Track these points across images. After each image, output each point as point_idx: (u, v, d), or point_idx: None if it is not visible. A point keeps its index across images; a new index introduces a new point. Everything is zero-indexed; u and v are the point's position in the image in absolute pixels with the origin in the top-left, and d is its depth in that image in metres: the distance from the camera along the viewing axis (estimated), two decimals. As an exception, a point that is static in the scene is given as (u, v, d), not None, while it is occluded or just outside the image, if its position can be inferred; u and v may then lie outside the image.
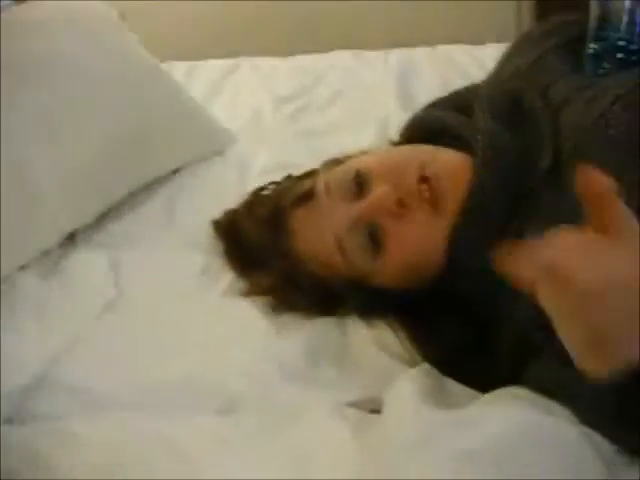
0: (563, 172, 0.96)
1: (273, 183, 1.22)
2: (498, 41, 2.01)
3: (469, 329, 1.03)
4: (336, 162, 1.18)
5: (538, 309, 0.86)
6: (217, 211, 1.27)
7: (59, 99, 1.39)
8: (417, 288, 1.06)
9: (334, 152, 1.23)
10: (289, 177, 1.23)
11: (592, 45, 1.08)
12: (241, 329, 1.11)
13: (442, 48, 2.20)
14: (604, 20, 1.07)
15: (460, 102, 1.21)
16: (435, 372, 0.99)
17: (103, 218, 1.44)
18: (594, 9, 1.08)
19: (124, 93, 1.48)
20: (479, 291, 1.01)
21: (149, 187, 1.52)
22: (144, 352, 1.09)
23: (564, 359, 0.80)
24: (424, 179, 1.02)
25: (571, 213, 0.90)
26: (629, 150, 0.89)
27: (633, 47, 1.06)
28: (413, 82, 1.94)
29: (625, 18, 1.06)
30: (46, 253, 1.33)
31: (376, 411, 0.97)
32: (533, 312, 0.87)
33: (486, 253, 0.97)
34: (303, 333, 1.08)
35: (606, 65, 1.06)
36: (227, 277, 1.21)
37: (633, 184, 0.86)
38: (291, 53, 2.22)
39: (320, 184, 1.09)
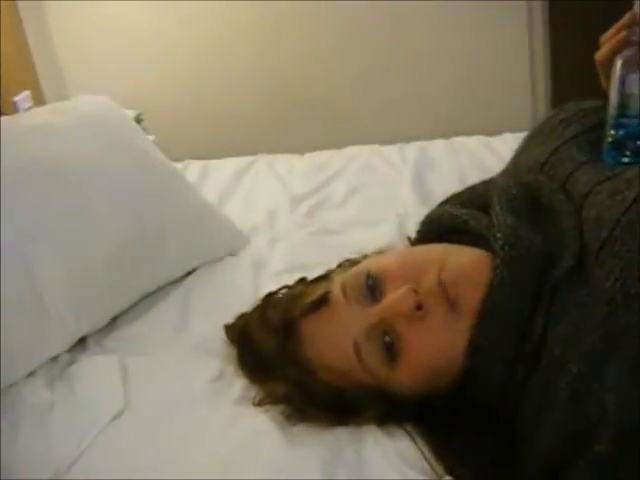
0: (588, 268, 0.94)
1: (285, 287, 1.19)
2: (514, 131, 2.01)
3: (493, 440, 0.99)
4: (352, 264, 1.15)
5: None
6: (231, 314, 1.24)
7: (75, 202, 1.39)
8: (437, 395, 1.02)
9: (350, 251, 1.21)
10: (302, 280, 1.20)
11: (612, 133, 1.06)
12: (254, 440, 1.06)
13: (458, 140, 2.21)
14: (623, 108, 1.05)
15: (477, 198, 1.19)
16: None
17: (115, 320, 1.42)
18: (613, 97, 1.06)
19: (138, 195, 1.48)
20: (502, 397, 0.98)
21: (162, 288, 1.50)
22: (150, 463, 1.05)
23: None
24: (442, 280, 0.99)
25: (598, 310, 0.88)
26: None
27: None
28: (430, 176, 1.94)
29: None
30: (54, 357, 1.30)
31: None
32: (569, 423, 0.86)
33: (508, 355, 0.95)
34: (318, 444, 1.03)
35: (627, 153, 1.04)
36: (240, 384, 1.17)
37: None
38: (307, 149, 2.23)
39: (336, 288, 1.06)
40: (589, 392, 0.86)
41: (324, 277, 1.16)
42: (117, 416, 1.16)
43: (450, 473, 0.96)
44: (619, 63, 1.07)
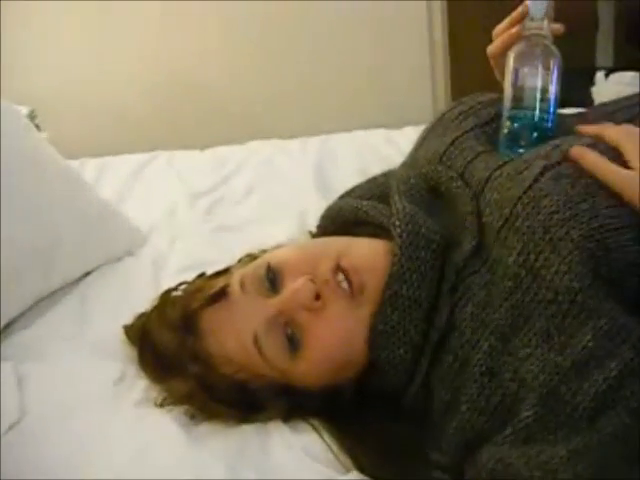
0: (489, 252, 0.95)
1: (184, 283, 1.16)
2: (415, 124, 2.03)
3: (401, 427, 0.99)
4: (251, 258, 1.14)
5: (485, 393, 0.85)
6: (131, 315, 1.21)
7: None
8: (342, 386, 1.02)
9: (251, 247, 1.19)
10: (201, 276, 1.18)
11: (507, 125, 1.07)
12: (156, 442, 1.03)
13: (360, 133, 2.21)
14: (517, 100, 1.07)
15: (377, 189, 1.20)
16: (365, 478, 0.94)
17: (9, 326, 1.36)
18: (507, 89, 1.08)
19: (29, 196, 1.42)
20: (409, 384, 0.98)
21: (59, 291, 1.45)
22: (50, 473, 1.01)
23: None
24: (340, 270, 0.98)
25: (502, 285, 0.89)
26: (564, 220, 0.87)
27: (547, 125, 1.06)
28: (332, 170, 1.94)
29: (538, 97, 1.05)
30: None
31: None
32: (486, 398, 0.88)
33: (411, 341, 0.95)
34: (222, 443, 1.01)
35: (522, 144, 1.06)
36: (142, 385, 1.13)
37: (569, 252, 0.86)
38: (207, 145, 2.21)
39: (234, 282, 1.05)
40: (503, 365, 0.88)
41: (223, 272, 1.14)
42: (13, 426, 1.11)
43: (357, 466, 0.96)
44: (512, 57, 1.08)
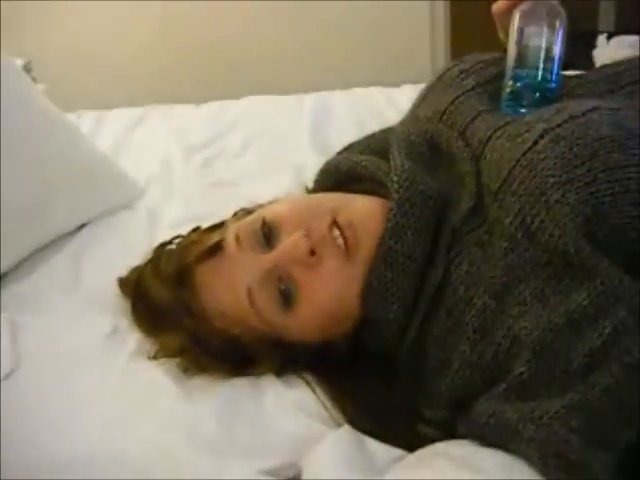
0: (487, 212, 0.95)
1: (179, 237, 1.16)
2: (414, 82, 2.02)
3: (394, 384, 1.00)
4: (246, 212, 1.13)
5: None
6: (125, 268, 1.20)
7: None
8: (335, 342, 1.02)
9: (247, 201, 1.19)
10: (196, 230, 1.17)
11: (510, 84, 1.06)
12: (149, 395, 1.04)
13: (358, 91, 2.20)
14: (521, 59, 1.06)
15: (376, 145, 1.19)
16: (357, 433, 0.94)
17: (4, 277, 1.36)
18: (511, 49, 1.07)
19: (25, 146, 1.41)
20: (402, 341, 0.99)
21: (53, 242, 1.45)
22: (44, 426, 1.01)
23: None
24: (336, 226, 0.98)
25: (498, 246, 0.90)
26: (560, 183, 0.87)
27: (550, 86, 1.06)
28: (329, 126, 1.93)
29: (542, 57, 1.05)
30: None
31: (296, 479, 0.92)
32: (479, 355, 0.89)
33: (405, 297, 0.96)
34: (215, 396, 1.02)
35: (524, 104, 1.05)
36: (135, 338, 1.14)
37: (564, 216, 0.86)
38: (203, 100, 2.19)
39: (229, 236, 1.04)
40: (496, 322, 0.89)
41: (219, 226, 1.14)
42: (8, 376, 1.11)
43: (349, 421, 0.96)
44: (517, 15, 1.08)
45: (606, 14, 3.47)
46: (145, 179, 1.69)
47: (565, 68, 1.09)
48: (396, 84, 2.22)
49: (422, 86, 1.26)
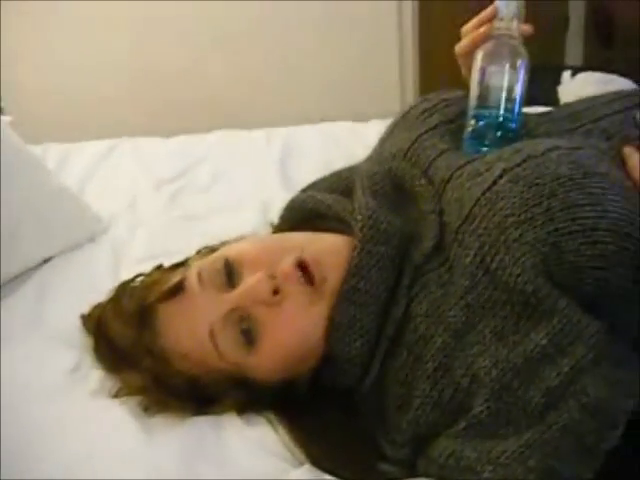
0: (448, 250, 0.96)
1: (141, 275, 1.15)
2: (382, 118, 2.03)
3: (355, 421, 1.00)
4: (210, 250, 1.13)
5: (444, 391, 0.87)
6: (88, 304, 1.19)
7: None
8: (297, 380, 1.02)
9: (213, 237, 1.18)
10: (159, 268, 1.17)
11: (472, 123, 1.07)
12: (110, 433, 1.02)
13: (326, 126, 2.20)
14: (483, 99, 1.07)
15: (341, 183, 1.20)
16: (319, 472, 0.94)
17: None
18: (473, 88, 1.08)
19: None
20: (364, 378, 0.99)
21: (17, 278, 1.43)
22: (4, 464, 0.99)
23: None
24: (301, 264, 0.98)
25: (458, 284, 0.90)
26: (518, 223, 0.88)
27: (511, 125, 1.07)
28: (296, 162, 1.93)
29: (503, 96, 1.06)
30: None
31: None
32: (438, 393, 0.90)
33: (368, 334, 0.96)
34: (177, 435, 1.01)
35: (486, 143, 1.07)
36: (97, 376, 1.12)
37: (523, 255, 0.87)
38: (171, 133, 2.19)
39: (192, 275, 1.04)
40: (455, 361, 0.90)
41: (181, 264, 1.13)
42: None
43: (311, 459, 0.96)
44: (479, 55, 1.09)
45: (573, 49, 3.51)
46: (111, 213, 1.68)
47: (529, 104, 1.11)
48: (364, 119, 2.23)
49: (389, 121, 1.27)
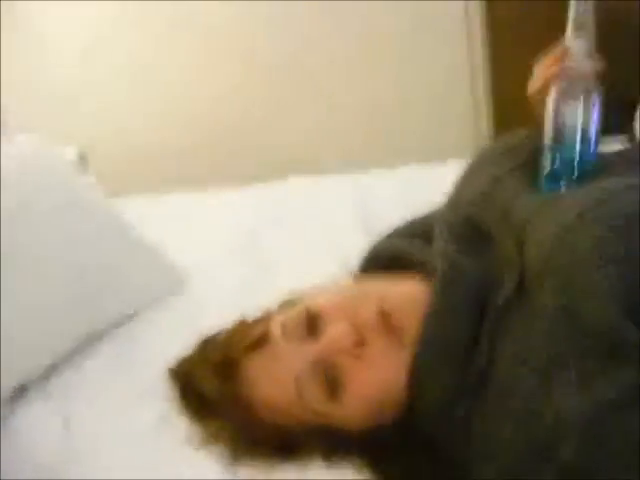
0: (530, 293, 0.94)
1: (224, 329, 1.17)
2: (456, 158, 2.02)
3: (442, 469, 0.98)
4: (291, 302, 1.14)
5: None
6: (173, 357, 1.21)
7: (7, 249, 1.34)
8: (383, 427, 1.01)
9: (293, 288, 1.19)
10: (241, 322, 1.18)
11: (548, 163, 1.07)
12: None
13: (401, 169, 2.20)
14: (558, 138, 1.07)
15: (420, 229, 1.20)
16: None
17: (56, 367, 1.39)
18: (547, 127, 1.08)
19: (72, 239, 1.45)
20: (449, 424, 0.98)
21: (104, 332, 1.47)
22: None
23: None
24: (382, 313, 0.98)
25: (540, 327, 0.89)
26: (599, 266, 0.87)
27: (588, 163, 1.06)
28: (373, 206, 1.94)
29: (578, 135, 1.05)
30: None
31: None
32: (524, 436, 0.88)
33: (450, 381, 0.95)
34: (264, 482, 1.02)
35: (563, 182, 1.06)
36: (183, 426, 1.14)
37: (604, 295, 0.85)
38: (246, 179, 2.22)
39: (275, 327, 1.05)
40: (541, 405, 0.87)
41: (264, 317, 1.15)
42: (62, 464, 1.13)
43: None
44: (553, 94, 1.08)
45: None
46: (193, 265, 1.71)
47: (604, 133, 1.10)
48: (438, 159, 2.22)
49: (464, 161, 1.27)
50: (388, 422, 1.01)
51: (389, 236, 1.24)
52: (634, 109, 2.40)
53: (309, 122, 3.06)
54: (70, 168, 1.67)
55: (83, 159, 2.43)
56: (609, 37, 1.15)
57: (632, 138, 1.85)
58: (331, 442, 1.03)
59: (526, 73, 1.17)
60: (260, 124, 3.04)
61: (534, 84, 1.13)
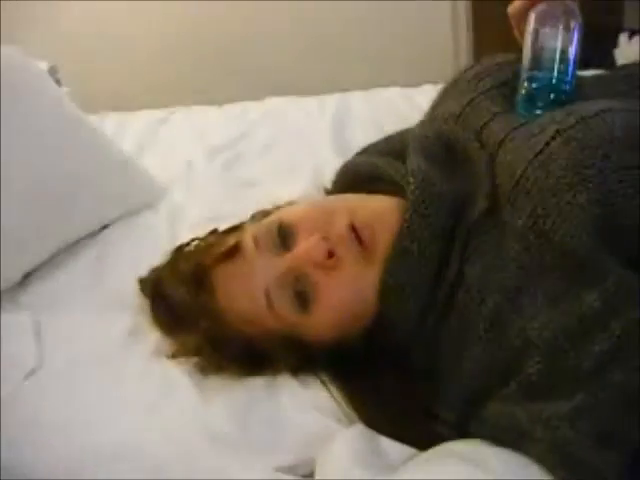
0: (501, 213, 0.95)
1: (197, 239, 1.18)
2: (435, 82, 2.02)
3: (407, 383, 1.00)
4: (264, 214, 1.14)
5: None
6: (146, 268, 1.22)
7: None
8: (351, 341, 1.03)
9: (266, 202, 1.20)
10: (214, 232, 1.19)
11: (525, 86, 1.07)
12: (167, 393, 1.06)
13: (378, 91, 2.20)
14: (536, 61, 1.06)
15: (393, 147, 1.20)
16: (370, 431, 0.95)
17: (29, 276, 1.39)
18: (526, 50, 1.08)
19: (48, 148, 1.44)
20: (416, 340, 0.99)
21: (77, 242, 1.47)
22: (65, 422, 1.04)
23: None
24: (353, 227, 0.99)
25: (511, 247, 0.90)
26: (571, 184, 0.87)
27: (565, 87, 1.06)
28: (348, 127, 1.94)
29: (557, 58, 1.05)
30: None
31: (310, 475, 0.93)
32: (490, 356, 0.90)
33: (419, 297, 0.97)
34: (231, 395, 1.04)
35: (539, 105, 1.06)
36: (154, 338, 1.15)
37: (575, 217, 0.86)
38: (225, 101, 2.21)
39: (247, 238, 1.05)
40: (507, 323, 0.89)
41: (236, 228, 1.15)
42: (30, 374, 1.14)
43: (363, 419, 0.98)
44: (532, 17, 1.08)
45: (632, 12, 3.43)
46: (167, 180, 1.71)
47: (585, 67, 1.10)
48: (418, 84, 2.22)
49: (441, 86, 1.27)
50: (356, 335, 1.02)
51: (362, 153, 1.25)
52: (615, 38, 2.40)
53: (291, 46, 3.03)
54: (46, 76, 1.64)
55: (53, 73, 2.39)
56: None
57: (611, 64, 1.85)
58: (300, 354, 1.04)
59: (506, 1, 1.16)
60: (243, 47, 3.00)
61: (515, 6, 1.12)
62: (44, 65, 2.18)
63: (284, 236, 1.02)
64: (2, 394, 1.08)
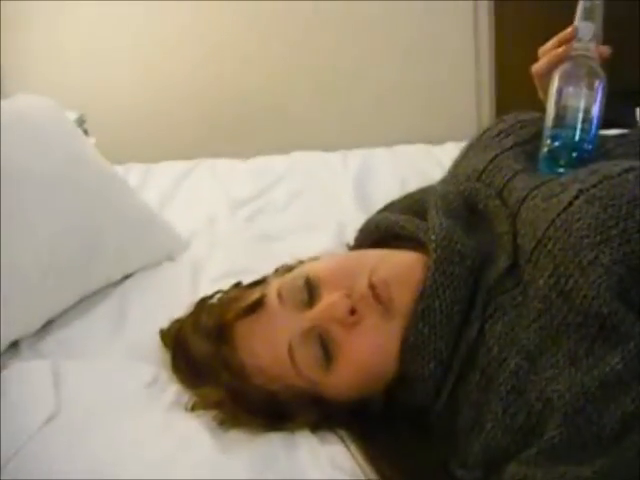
0: (522, 269, 0.96)
1: (220, 292, 1.18)
2: (459, 140, 2.03)
3: (426, 442, 1.00)
4: (287, 269, 1.15)
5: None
6: (167, 319, 1.22)
7: (4, 206, 1.34)
8: (371, 399, 1.03)
9: (289, 257, 1.21)
10: (237, 285, 1.19)
11: (548, 144, 1.08)
12: (185, 446, 1.04)
13: (401, 148, 2.21)
14: (559, 119, 1.07)
15: (415, 204, 1.21)
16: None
17: (49, 325, 1.39)
18: (550, 108, 1.09)
19: (72, 199, 1.45)
20: (435, 400, 0.99)
21: (99, 292, 1.48)
22: (80, 472, 1.02)
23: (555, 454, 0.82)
24: (372, 286, 0.99)
25: (532, 307, 0.90)
26: (594, 244, 0.88)
27: (588, 146, 1.07)
28: (371, 183, 1.95)
29: (580, 117, 1.06)
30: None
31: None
32: (511, 417, 0.89)
33: (442, 354, 0.96)
34: (250, 449, 1.02)
35: (562, 163, 1.07)
36: (174, 390, 1.15)
37: (598, 277, 0.86)
38: (251, 155, 2.23)
39: (271, 292, 1.06)
40: (528, 385, 0.89)
41: (260, 282, 1.16)
42: (48, 421, 1.13)
43: (382, 477, 0.96)
44: (557, 76, 1.09)
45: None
46: (190, 232, 1.72)
47: (608, 127, 1.10)
48: (441, 141, 2.23)
49: (464, 143, 1.28)
50: (376, 394, 1.02)
51: (384, 210, 1.25)
52: (638, 98, 2.41)
53: (317, 101, 3.05)
54: (74, 126, 1.66)
55: (81, 123, 2.42)
56: (614, 31, 1.15)
57: (634, 124, 1.86)
58: (320, 411, 1.04)
59: (530, 58, 1.17)
60: (268, 101, 3.03)
61: (539, 65, 1.14)
62: (72, 115, 2.22)
63: (308, 291, 1.03)
64: (19, 442, 1.08)
